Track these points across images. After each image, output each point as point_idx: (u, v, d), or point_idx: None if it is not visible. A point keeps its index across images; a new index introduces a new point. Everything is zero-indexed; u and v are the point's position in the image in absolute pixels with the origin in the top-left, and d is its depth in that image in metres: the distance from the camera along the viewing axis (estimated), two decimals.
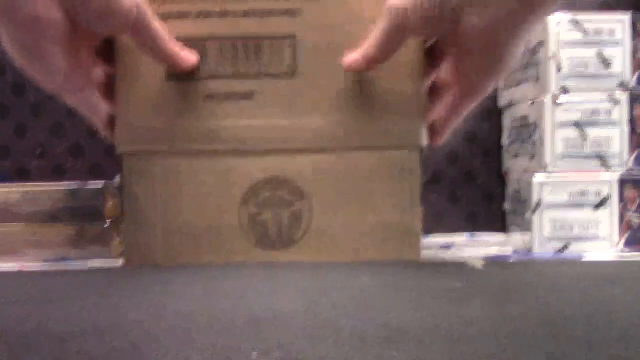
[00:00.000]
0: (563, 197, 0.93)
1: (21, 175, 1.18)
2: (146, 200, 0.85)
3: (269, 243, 0.85)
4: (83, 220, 0.94)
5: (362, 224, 0.85)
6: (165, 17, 0.84)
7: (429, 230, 1.17)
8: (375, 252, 0.85)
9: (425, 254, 0.96)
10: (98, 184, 0.95)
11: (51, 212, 0.94)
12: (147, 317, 0.58)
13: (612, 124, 0.93)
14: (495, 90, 1.16)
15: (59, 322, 0.57)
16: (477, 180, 1.17)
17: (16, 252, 0.94)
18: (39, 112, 1.17)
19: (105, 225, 0.94)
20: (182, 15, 0.84)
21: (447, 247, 1.04)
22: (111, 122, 0.84)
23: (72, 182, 0.95)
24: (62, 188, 0.95)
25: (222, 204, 0.85)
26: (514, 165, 1.09)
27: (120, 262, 0.91)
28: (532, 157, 0.98)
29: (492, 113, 1.17)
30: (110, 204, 0.96)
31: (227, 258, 0.85)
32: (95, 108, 0.83)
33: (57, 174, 1.18)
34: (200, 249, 0.85)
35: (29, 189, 0.95)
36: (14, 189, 0.95)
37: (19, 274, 0.83)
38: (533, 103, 0.98)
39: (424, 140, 0.85)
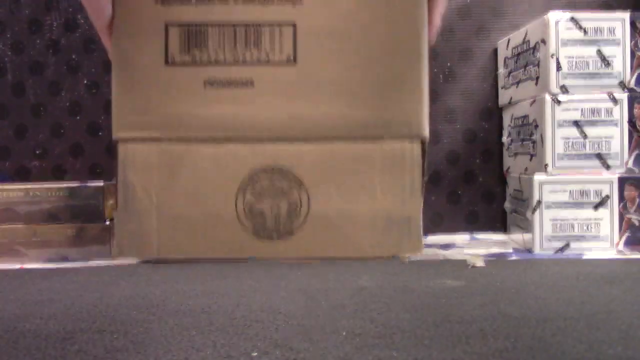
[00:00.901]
0: (563, 197, 0.93)
1: (21, 175, 1.18)
2: (141, 187, 0.84)
3: (266, 233, 0.84)
4: (83, 219, 0.94)
5: (361, 214, 0.84)
6: (166, 2, 0.84)
7: (429, 230, 1.17)
8: (375, 243, 0.84)
9: (426, 254, 0.96)
10: (98, 183, 0.95)
11: (51, 211, 0.94)
12: (147, 317, 0.58)
13: (612, 123, 0.93)
14: (495, 90, 1.16)
15: (59, 322, 0.57)
16: (477, 180, 1.17)
17: (16, 252, 0.94)
18: (39, 112, 1.17)
19: (105, 224, 0.94)
20: (183, 1, 0.84)
21: (447, 247, 1.04)
22: (110, 25, 0.84)
23: (72, 182, 0.95)
24: (62, 188, 0.95)
25: (219, 192, 0.84)
26: (514, 165, 1.09)
27: (119, 261, 0.91)
28: (532, 156, 0.98)
29: (492, 112, 1.17)
30: (110, 204, 0.96)
31: (223, 248, 0.84)
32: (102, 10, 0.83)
33: (57, 174, 1.18)
34: (196, 238, 0.84)
35: (29, 189, 0.95)
36: (14, 189, 0.95)
37: (19, 274, 0.83)
38: (533, 102, 0.98)
39: (426, 131, 0.85)
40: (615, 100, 0.93)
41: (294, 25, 0.83)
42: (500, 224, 1.17)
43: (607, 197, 0.93)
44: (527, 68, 1.01)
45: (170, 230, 0.83)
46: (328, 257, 0.84)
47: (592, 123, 0.93)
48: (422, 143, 0.84)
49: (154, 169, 0.83)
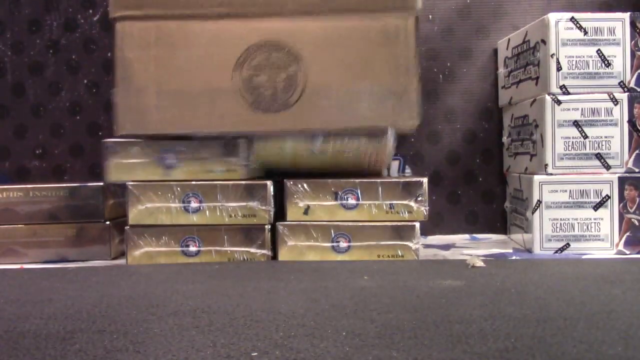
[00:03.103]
0: (563, 197, 0.93)
1: (21, 175, 1.18)
2: (139, 64, 0.85)
3: (264, 106, 0.85)
4: (83, 219, 0.94)
5: (357, 88, 0.85)
6: None
7: (429, 230, 1.17)
8: (372, 114, 0.86)
9: (426, 254, 0.96)
10: (98, 183, 0.95)
11: (51, 211, 0.94)
12: (148, 317, 0.58)
13: (612, 123, 0.93)
14: (496, 90, 1.16)
15: (59, 322, 0.57)
16: (477, 180, 1.17)
17: (16, 252, 0.94)
18: (39, 112, 1.17)
19: (105, 224, 0.94)
20: None
21: (447, 247, 1.04)
22: None
23: (72, 182, 0.95)
24: (62, 188, 0.95)
25: (216, 67, 0.85)
26: (514, 165, 1.09)
27: (122, 261, 0.92)
28: (532, 156, 0.98)
29: (492, 113, 1.17)
30: (109, 204, 0.96)
31: (221, 122, 0.86)
32: None
33: (57, 174, 1.18)
34: (195, 112, 0.85)
35: (29, 189, 0.95)
36: (14, 189, 0.95)
37: (19, 274, 0.83)
38: (533, 102, 0.98)
39: (419, 5, 0.86)
40: (615, 100, 0.93)
41: None
42: (500, 224, 1.17)
43: (607, 197, 0.93)
44: (527, 68, 1.01)
45: (169, 105, 0.85)
46: (326, 128, 0.85)
47: (592, 123, 0.93)
48: (416, 18, 0.86)
49: (152, 45, 0.85)
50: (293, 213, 0.88)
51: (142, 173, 0.86)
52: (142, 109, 0.84)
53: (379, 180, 0.87)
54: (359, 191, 0.87)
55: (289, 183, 0.87)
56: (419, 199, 0.87)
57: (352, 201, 0.87)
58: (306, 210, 0.87)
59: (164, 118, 0.84)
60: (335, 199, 0.87)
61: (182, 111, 0.84)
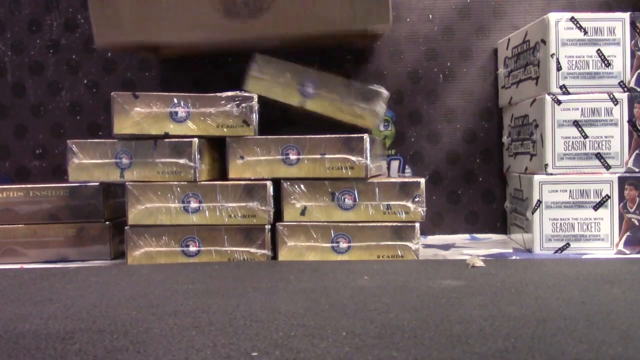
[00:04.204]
0: (563, 197, 0.93)
1: (21, 175, 1.18)
2: None
3: (237, 11, 0.87)
4: (83, 219, 0.94)
5: None
6: None
7: (429, 230, 1.17)
8: (345, 16, 0.86)
9: (426, 254, 0.96)
10: (97, 183, 0.95)
11: (51, 211, 0.94)
12: (148, 317, 0.58)
13: (612, 123, 0.93)
14: (496, 90, 1.16)
15: (59, 322, 0.57)
16: (477, 180, 1.17)
17: (16, 252, 0.94)
18: (39, 112, 1.17)
19: (105, 224, 0.94)
20: None
21: (447, 247, 1.04)
22: None
23: (72, 182, 0.95)
24: (62, 188, 0.95)
25: None
26: (514, 165, 1.09)
27: (122, 261, 0.91)
28: (532, 156, 0.98)
29: (492, 112, 1.17)
30: (109, 204, 0.96)
31: (195, 30, 0.87)
32: None
33: (57, 174, 1.18)
34: (168, 20, 0.87)
35: (29, 188, 0.95)
36: (14, 189, 0.95)
37: (19, 274, 0.83)
38: (533, 102, 0.98)
39: None
40: (615, 100, 0.93)
41: None
42: (500, 224, 1.17)
43: (607, 197, 0.93)
44: (527, 68, 1.01)
45: (143, 14, 0.86)
46: (299, 33, 0.86)
47: (592, 123, 0.93)
48: None
49: None
50: (290, 214, 0.88)
51: (100, 174, 0.88)
52: (118, 18, 0.86)
53: (375, 181, 0.87)
54: (355, 192, 0.87)
55: (286, 184, 0.87)
56: (417, 199, 0.87)
57: (348, 202, 0.87)
58: (303, 211, 0.87)
59: (139, 28, 0.86)
60: (332, 200, 0.87)
61: (157, 20, 0.86)
